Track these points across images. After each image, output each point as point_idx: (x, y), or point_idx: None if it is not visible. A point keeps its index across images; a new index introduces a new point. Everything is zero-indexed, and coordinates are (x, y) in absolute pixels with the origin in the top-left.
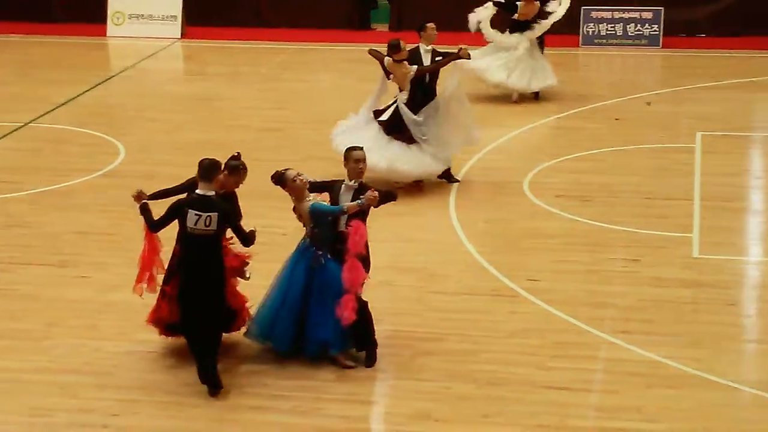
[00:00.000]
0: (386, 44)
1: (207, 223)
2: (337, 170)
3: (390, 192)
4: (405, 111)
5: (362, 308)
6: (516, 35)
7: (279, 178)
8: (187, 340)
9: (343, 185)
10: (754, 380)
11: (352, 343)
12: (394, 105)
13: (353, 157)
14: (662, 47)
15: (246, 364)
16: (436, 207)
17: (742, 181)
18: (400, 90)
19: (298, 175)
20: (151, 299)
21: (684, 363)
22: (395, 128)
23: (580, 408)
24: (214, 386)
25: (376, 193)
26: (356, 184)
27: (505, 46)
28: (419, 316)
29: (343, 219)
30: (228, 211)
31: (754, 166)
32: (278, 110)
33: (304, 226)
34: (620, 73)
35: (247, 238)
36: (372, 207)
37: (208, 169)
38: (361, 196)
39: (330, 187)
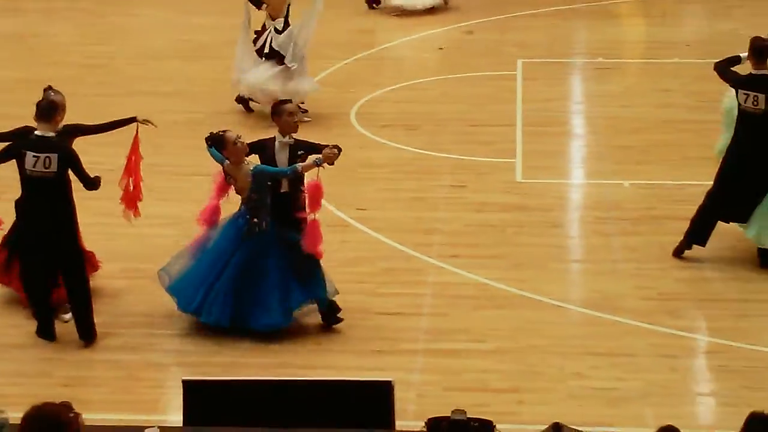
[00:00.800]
0: None
1: (46, 165)
2: (164, 106)
3: (336, 146)
4: (274, 35)
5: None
6: None
7: (216, 140)
8: (26, 288)
9: (277, 143)
10: (577, 298)
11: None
12: (269, 33)
13: (286, 111)
14: None
15: None
16: None
17: (562, 106)
18: (273, 18)
19: (238, 137)
20: None
21: (510, 284)
22: (271, 54)
23: (411, 332)
24: (49, 335)
25: (336, 150)
26: (291, 140)
27: None
28: None
29: (284, 181)
30: (69, 152)
31: (574, 91)
32: (99, 46)
33: (237, 192)
34: (442, 2)
35: (90, 182)
36: (327, 164)
37: (46, 109)
38: (302, 154)
39: (261, 146)
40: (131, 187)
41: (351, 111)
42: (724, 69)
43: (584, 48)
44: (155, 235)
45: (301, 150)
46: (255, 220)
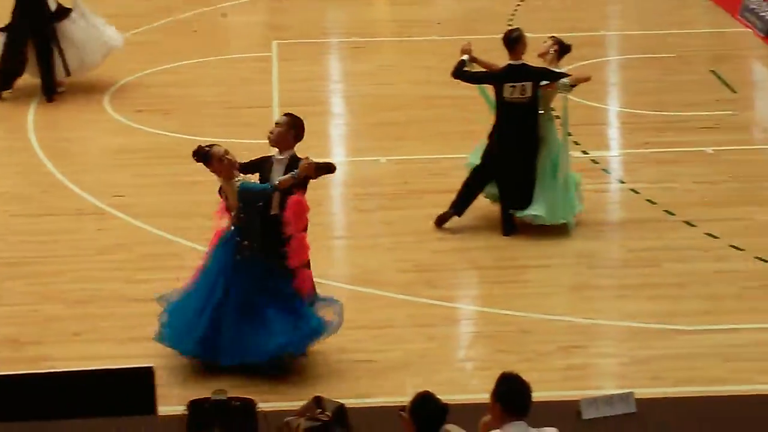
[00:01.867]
0: None
1: None
2: None
3: (329, 163)
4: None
5: None
6: None
7: (203, 155)
8: None
9: (273, 159)
10: (339, 274)
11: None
12: None
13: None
14: None
15: None
16: (12, 129)
17: (319, 86)
18: None
19: (226, 153)
20: None
21: None
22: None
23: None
24: None
25: (311, 160)
26: (287, 156)
27: None
28: (1, 241)
29: (276, 200)
30: None
31: (331, 71)
32: None
33: (227, 210)
34: None
35: None
36: (310, 177)
37: None
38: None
39: (260, 165)
40: None
41: (104, 96)
42: (466, 73)
43: (339, 28)
44: None
45: (295, 168)
46: (246, 243)
